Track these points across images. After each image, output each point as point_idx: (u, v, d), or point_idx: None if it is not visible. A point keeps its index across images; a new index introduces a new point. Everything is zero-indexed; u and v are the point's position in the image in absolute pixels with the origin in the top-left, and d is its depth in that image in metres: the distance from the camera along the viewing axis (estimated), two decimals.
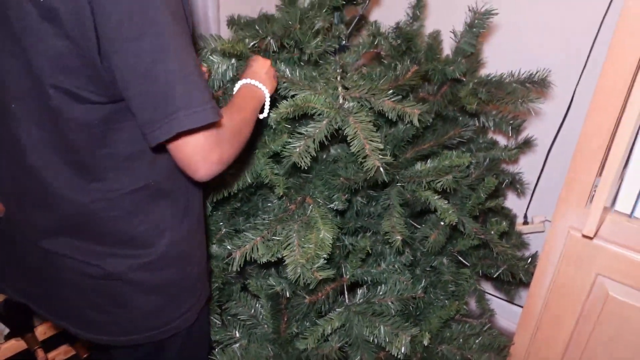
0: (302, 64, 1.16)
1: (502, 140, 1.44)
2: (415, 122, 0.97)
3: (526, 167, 1.54)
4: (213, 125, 0.68)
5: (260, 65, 0.95)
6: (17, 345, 1.38)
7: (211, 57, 1.06)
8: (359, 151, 0.93)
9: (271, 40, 1.08)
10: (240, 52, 1.03)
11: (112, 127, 0.68)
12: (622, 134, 0.79)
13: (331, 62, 1.15)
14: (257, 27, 1.11)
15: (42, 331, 1.43)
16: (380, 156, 0.92)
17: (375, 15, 1.71)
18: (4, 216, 0.82)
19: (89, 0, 0.55)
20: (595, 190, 0.93)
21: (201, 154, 0.66)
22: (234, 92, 0.89)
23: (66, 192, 0.70)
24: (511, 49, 1.46)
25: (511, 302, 1.56)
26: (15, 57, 0.62)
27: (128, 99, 0.62)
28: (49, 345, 1.48)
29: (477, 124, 1.31)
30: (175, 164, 0.70)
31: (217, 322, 1.14)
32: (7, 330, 1.43)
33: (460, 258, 1.33)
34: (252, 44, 1.11)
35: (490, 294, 1.70)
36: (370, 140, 0.94)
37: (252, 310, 1.18)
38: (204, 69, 1.03)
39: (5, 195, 0.78)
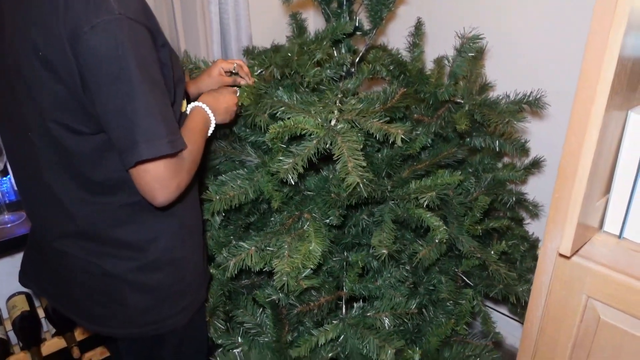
0: (306, 89, 1.26)
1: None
2: (398, 142, 1.02)
3: (545, 189, 1.52)
4: (174, 155, 0.79)
5: (225, 99, 1.05)
6: (58, 342, 1.55)
7: None
8: (342, 168, 1.00)
9: (274, 69, 1.19)
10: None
11: (104, 154, 0.81)
12: (586, 148, 0.80)
13: (333, 88, 1.24)
14: (263, 57, 1.22)
15: (80, 332, 1.60)
16: (361, 173, 0.97)
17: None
18: (31, 224, 0.97)
19: (73, 53, 0.69)
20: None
21: (160, 182, 0.77)
22: (188, 111, 0.98)
23: (72, 203, 0.84)
24: (524, 71, 1.47)
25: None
26: (28, 98, 0.78)
27: (107, 132, 0.76)
28: (87, 345, 1.65)
29: (485, 145, 1.33)
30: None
31: (222, 327, 1.23)
32: (54, 330, 1.61)
33: (464, 278, 1.33)
34: (259, 71, 1.23)
35: (505, 314, 1.66)
36: (354, 158, 1.00)
37: (258, 319, 1.26)
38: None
39: (28, 206, 0.93)
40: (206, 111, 0.98)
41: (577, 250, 0.95)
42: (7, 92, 0.80)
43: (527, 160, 1.37)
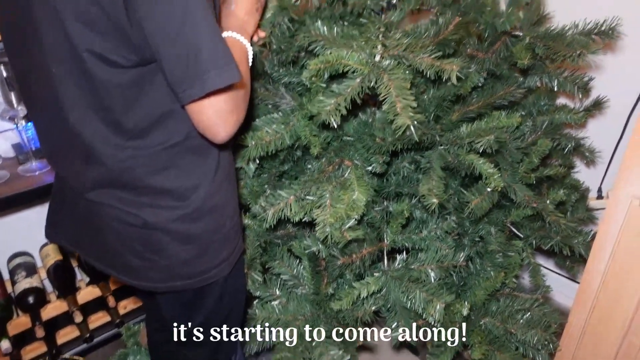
0: (345, 23, 1.14)
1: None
2: (453, 79, 0.91)
3: (602, 134, 1.39)
4: (232, 88, 0.70)
5: (242, 5, 0.90)
6: (93, 291, 1.54)
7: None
8: (390, 109, 0.90)
9: None
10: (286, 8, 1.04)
11: (143, 89, 0.72)
12: None
13: (374, 21, 1.12)
14: None
15: (114, 281, 1.59)
16: (412, 114, 0.88)
17: None
18: (55, 173, 0.90)
19: None
20: None
21: (222, 117, 0.70)
22: None
23: (104, 148, 0.75)
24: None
25: (574, 280, 1.44)
26: (52, 24, 0.67)
27: (160, 60, 0.66)
28: (122, 294, 1.65)
29: (541, 84, 1.20)
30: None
31: (259, 279, 1.18)
32: (87, 279, 1.61)
33: (514, 230, 1.24)
34: (294, 1, 1.11)
35: (552, 270, 1.58)
36: (403, 98, 0.90)
37: (295, 271, 1.21)
38: (263, 34, 1.04)
39: (52, 154, 0.85)
40: (239, 39, 0.86)
41: None
42: (25, 23, 0.71)
43: (587, 101, 1.24)
